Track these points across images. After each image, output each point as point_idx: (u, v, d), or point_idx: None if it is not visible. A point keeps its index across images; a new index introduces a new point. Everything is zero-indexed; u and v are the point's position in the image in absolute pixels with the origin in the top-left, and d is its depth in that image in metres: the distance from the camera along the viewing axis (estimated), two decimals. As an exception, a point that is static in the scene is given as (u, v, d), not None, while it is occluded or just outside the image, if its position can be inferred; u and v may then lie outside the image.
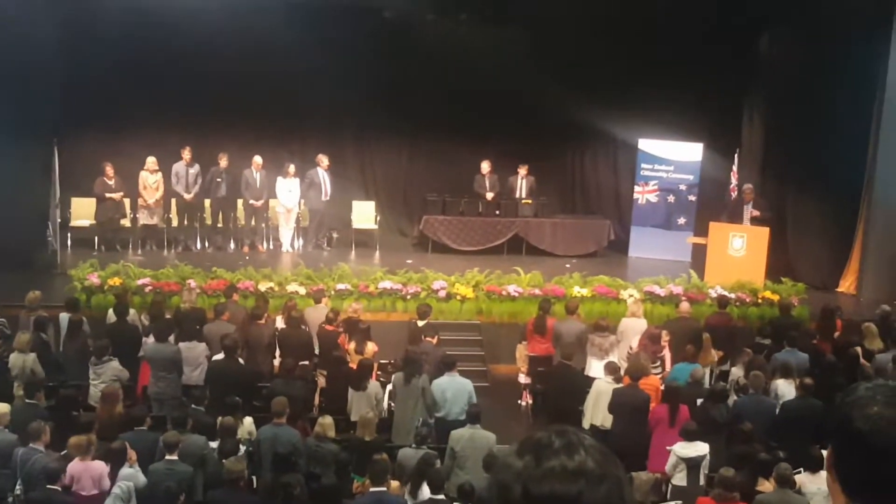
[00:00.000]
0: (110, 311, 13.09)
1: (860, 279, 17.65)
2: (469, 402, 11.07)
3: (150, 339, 12.13)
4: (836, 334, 13.71)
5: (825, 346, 13.08)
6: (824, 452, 1.94)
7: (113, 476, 9.04)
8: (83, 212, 17.91)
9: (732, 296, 15.52)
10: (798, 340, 12.68)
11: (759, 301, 15.80)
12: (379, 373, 12.23)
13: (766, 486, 9.32)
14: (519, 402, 13.68)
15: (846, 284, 17.90)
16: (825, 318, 14.14)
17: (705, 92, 18.43)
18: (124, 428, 9.95)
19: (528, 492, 1.68)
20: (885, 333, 13.37)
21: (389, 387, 11.69)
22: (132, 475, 9.04)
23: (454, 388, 11.25)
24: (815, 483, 9.21)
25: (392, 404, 11.54)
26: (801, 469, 9.51)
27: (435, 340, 12.50)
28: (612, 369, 11.56)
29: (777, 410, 11.09)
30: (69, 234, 17.50)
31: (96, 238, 17.63)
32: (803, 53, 17.72)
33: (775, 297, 15.65)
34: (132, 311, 13.11)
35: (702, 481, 9.87)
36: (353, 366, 11.68)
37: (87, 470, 9.09)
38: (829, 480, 2.18)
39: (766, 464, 9.57)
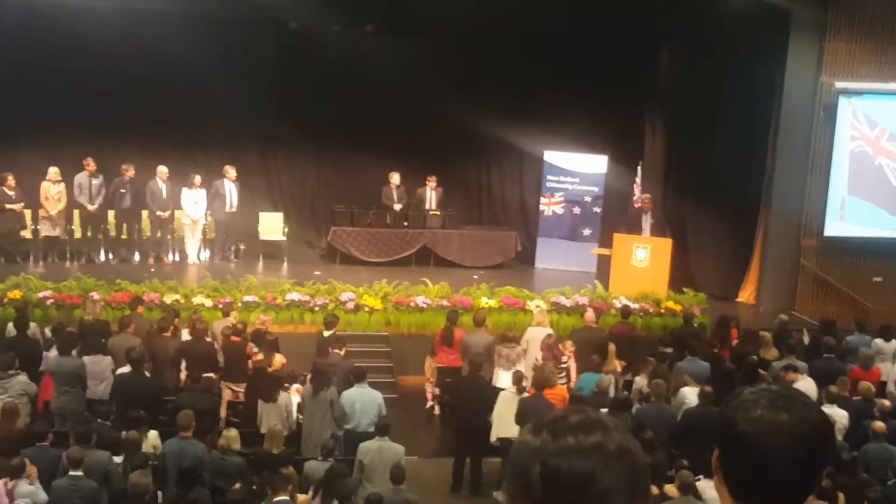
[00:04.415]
0: (10, 324, 12.78)
1: (759, 289, 18.07)
2: (379, 414, 11.07)
3: (53, 353, 11.88)
4: (734, 343, 14.04)
5: (725, 355, 13.38)
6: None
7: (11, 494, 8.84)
8: (-19, 223, 17.44)
9: (636, 306, 15.80)
10: (699, 350, 12.94)
11: (662, 311, 16.08)
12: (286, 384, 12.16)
13: (671, 491, 9.50)
14: (428, 405, 13.73)
15: (745, 294, 18.32)
16: (721, 327, 14.47)
17: (609, 105, 18.61)
18: (25, 444, 9.73)
19: (547, 466, 1.70)
20: (781, 342, 13.69)
21: (298, 398, 11.66)
22: (32, 493, 8.84)
23: (364, 400, 11.23)
24: (714, 489, 9.39)
25: (301, 416, 11.50)
26: (701, 476, 9.71)
27: (342, 352, 12.47)
28: (517, 379, 11.66)
29: (678, 418, 11.32)
30: (-33, 247, 16.98)
31: (-5, 250, 17.19)
32: (702, 66, 18.09)
33: (678, 308, 15.95)
34: (33, 324, 12.84)
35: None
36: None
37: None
38: (717, 482, 2.26)
39: (667, 470, 9.76)
